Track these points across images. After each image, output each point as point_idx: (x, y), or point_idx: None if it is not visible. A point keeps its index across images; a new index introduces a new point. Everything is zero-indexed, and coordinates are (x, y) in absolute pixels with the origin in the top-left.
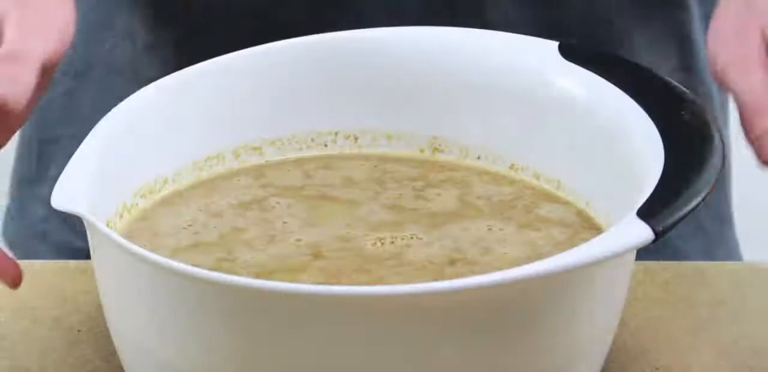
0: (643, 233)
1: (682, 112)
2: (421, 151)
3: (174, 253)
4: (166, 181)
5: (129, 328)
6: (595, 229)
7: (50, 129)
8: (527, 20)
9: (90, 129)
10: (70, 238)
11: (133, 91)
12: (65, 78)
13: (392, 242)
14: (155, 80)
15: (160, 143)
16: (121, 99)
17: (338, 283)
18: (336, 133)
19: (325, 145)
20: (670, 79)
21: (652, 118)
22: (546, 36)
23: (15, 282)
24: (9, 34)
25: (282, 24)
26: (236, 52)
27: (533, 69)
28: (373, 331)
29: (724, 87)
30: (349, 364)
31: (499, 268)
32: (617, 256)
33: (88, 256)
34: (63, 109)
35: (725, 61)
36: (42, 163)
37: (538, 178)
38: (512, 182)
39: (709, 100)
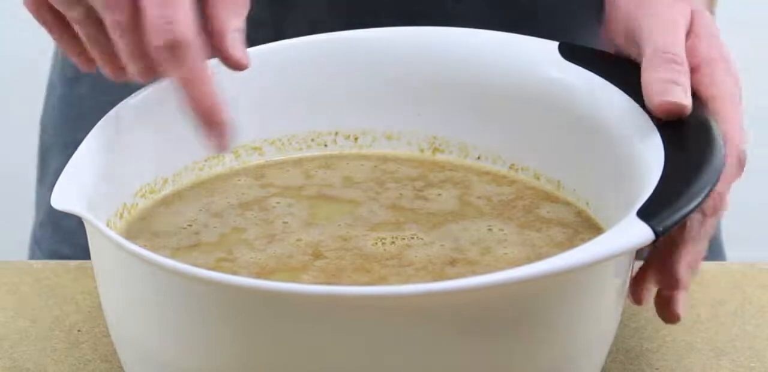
0: (643, 233)
1: None
2: (421, 151)
3: (174, 253)
4: (166, 181)
5: (129, 328)
6: (595, 229)
7: (49, 135)
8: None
9: (87, 133)
10: (57, 247)
11: (129, 95)
12: (59, 84)
13: (392, 242)
14: (151, 82)
15: (159, 143)
16: (115, 103)
17: (338, 283)
18: (336, 133)
19: (325, 145)
20: None
21: (652, 118)
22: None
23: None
24: None
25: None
26: None
27: (533, 69)
28: (374, 331)
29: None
30: (349, 364)
31: (499, 268)
32: (617, 256)
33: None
34: (60, 114)
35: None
36: (43, 169)
37: (538, 178)
38: (512, 182)
39: None
